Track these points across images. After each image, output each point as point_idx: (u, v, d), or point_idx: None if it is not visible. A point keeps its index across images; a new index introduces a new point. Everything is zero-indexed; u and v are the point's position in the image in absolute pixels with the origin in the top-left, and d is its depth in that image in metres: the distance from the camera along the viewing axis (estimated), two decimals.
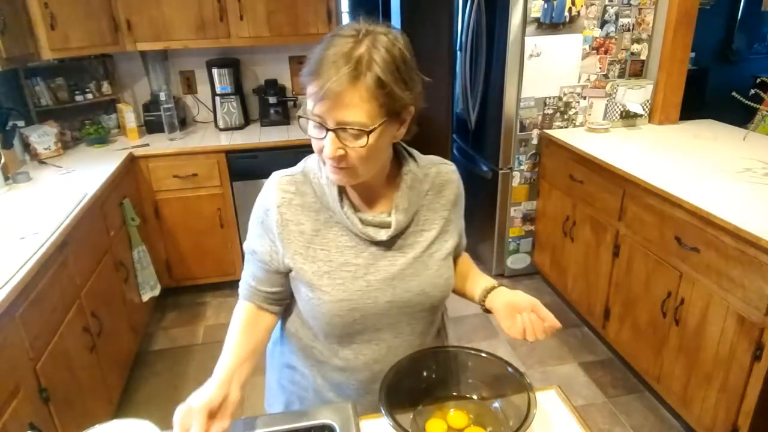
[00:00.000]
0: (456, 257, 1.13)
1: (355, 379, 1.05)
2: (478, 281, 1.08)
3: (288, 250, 0.97)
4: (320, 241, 0.97)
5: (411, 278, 0.98)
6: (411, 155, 1.01)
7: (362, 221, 0.96)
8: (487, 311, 1.04)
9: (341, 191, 0.95)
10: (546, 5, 2.66)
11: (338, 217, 0.96)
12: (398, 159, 1.00)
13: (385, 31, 0.84)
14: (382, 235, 0.96)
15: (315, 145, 0.88)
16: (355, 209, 0.97)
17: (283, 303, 1.07)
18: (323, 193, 0.97)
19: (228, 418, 0.86)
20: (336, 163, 0.86)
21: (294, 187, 0.99)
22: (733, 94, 2.06)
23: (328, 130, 0.83)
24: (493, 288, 1.04)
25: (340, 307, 0.96)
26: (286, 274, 1.01)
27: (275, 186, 0.99)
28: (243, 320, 1.02)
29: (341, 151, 0.84)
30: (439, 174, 1.05)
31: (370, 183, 0.96)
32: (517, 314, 0.95)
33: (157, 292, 2.78)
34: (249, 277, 1.04)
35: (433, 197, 1.03)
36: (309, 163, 1.01)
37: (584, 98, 2.91)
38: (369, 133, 0.83)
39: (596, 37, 2.79)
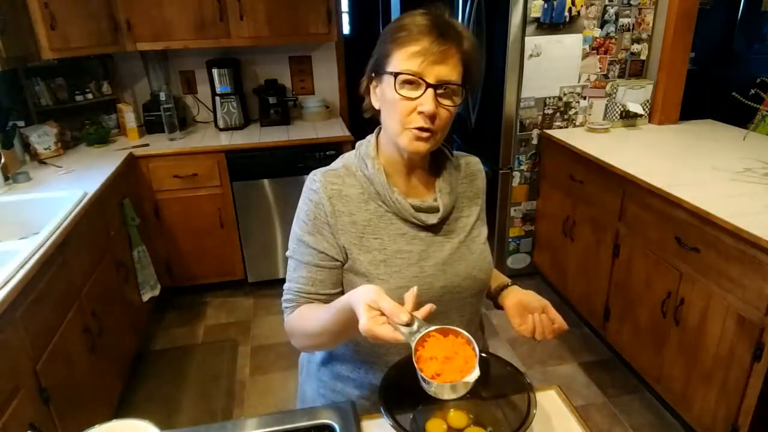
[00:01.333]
0: None
1: None
2: (493, 278, 1.11)
3: (343, 239, 0.98)
4: (372, 230, 0.98)
5: (459, 262, 1.01)
6: (444, 145, 1.04)
7: (413, 206, 0.98)
8: (499, 307, 1.06)
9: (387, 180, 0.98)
10: (546, 5, 2.66)
11: (389, 205, 0.98)
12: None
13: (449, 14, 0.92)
14: (432, 218, 0.99)
15: (402, 107, 0.89)
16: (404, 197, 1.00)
17: None
18: (369, 184, 0.98)
19: None
20: (426, 123, 0.88)
21: (340, 180, 0.99)
22: (733, 94, 2.06)
23: (428, 86, 0.87)
24: (506, 286, 1.07)
25: (398, 294, 0.94)
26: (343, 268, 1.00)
27: (321, 180, 0.99)
28: (312, 305, 0.98)
29: (436, 109, 0.88)
30: (468, 164, 1.10)
31: (414, 168, 1.00)
32: (528, 314, 0.98)
33: (157, 292, 2.78)
34: (307, 284, 0.99)
35: (467, 185, 1.08)
36: (347, 159, 1.03)
37: (584, 98, 2.91)
38: (464, 89, 0.90)
39: (596, 37, 2.79)
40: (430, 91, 0.87)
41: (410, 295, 0.79)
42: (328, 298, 0.97)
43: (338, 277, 1.00)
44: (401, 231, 0.99)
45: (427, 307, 0.79)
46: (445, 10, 0.92)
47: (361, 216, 0.98)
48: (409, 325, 0.74)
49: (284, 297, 1.02)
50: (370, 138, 1.02)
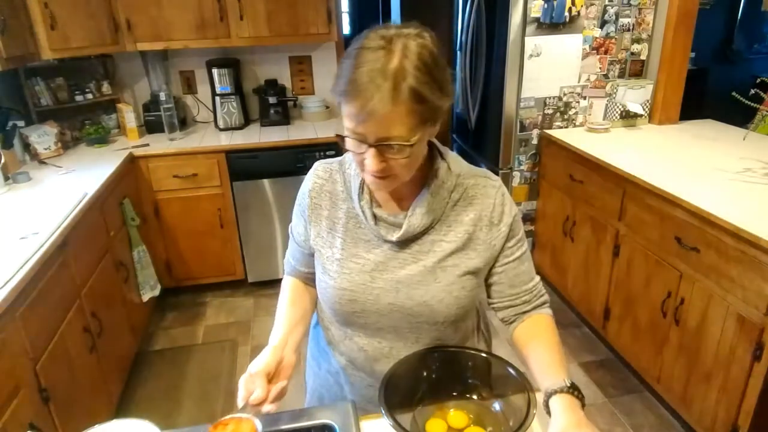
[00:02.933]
0: (521, 308, 1.02)
1: (357, 369, 1.07)
2: (544, 374, 0.90)
3: (314, 231, 1.03)
4: (340, 229, 1.00)
5: (417, 286, 0.96)
6: (444, 158, 0.97)
7: (377, 218, 0.96)
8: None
9: (363, 184, 0.97)
10: (546, 5, 2.66)
11: (356, 209, 0.99)
12: (431, 157, 0.97)
13: (413, 33, 0.81)
14: (393, 235, 0.95)
15: (355, 159, 0.88)
16: (376, 204, 0.97)
17: None
18: (350, 184, 1.00)
19: (286, 379, 0.90)
20: (379, 175, 0.85)
21: (328, 174, 1.03)
22: (733, 94, 2.06)
23: (369, 146, 0.81)
24: (554, 393, 0.84)
25: (341, 295, 0.98)
26: None
27: (312, 172, 1.05)
28: (290, 291, 1.11)
29: (383, 164, 0.83)
30: (475, 186, 0.99)
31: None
32: None
33: (157, 292, 2.78)
34: (290, 257, 1.13)
35: (461, 209, 0.97)
36: (348, 154, 1.00)
37: (584, 98, 2.91)
38: (411, 146, 0.82)
39: (596, 37, 2.79)
40: (372, 150, 0.82)
41: (276, 388, 0.86)
42: (306, 275, 1.10)
43: (311, 262, 1.07)
44: (366, 237, 0.99)
45: (272, 407, 0.85)
46: (400, 33, 0.80)
47: (335, 213, 1.01)
48: (258, 405, 0.84)
49: (285, 262, 1.16)
50: None
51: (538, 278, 1.05)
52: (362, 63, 0.78)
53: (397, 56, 0.78)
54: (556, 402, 0.83)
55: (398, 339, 1.02)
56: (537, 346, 0.96)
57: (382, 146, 0.81)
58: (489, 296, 1.05)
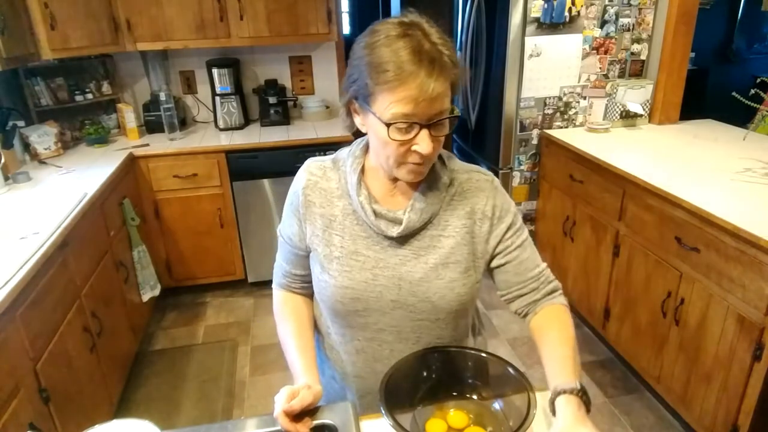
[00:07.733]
0: (531, 297, 1.01)
1: (355, 374, 1.07)
2: (555, 372, 0.90)
3: (309, 229, 1.00)
4: (337, 226, 0.99)
5: (419, 282, 0.96)
6: (440, 156, 0.98)
7: (376, 213, 0.95)
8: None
9: (361, 180, 0.96)
10: (546, 5, 2.66)
11: (354, 205, 0.97)
12: None
13: (418, 17, 0.87)
14: (393, 231, 0.95)
15: (396, 147, 0.85)
16: (374, 201, 0.97)
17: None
18: (346, 181, 0.98)
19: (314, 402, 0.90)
20: (422, 159, 0.86)
21: (321, 171, 1.01)
22: (733, 94, 2.06)
23: (422, 127, 0.83)
24: (561, 393, 0.85)
25: (343, 293, 0.97)
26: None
27: (305, 169, 1.03)
28: (293, 317, 1.07)
29: (434, 144, 0.85)
30: (469, 180, 1.00)
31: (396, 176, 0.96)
32: None
33: (157, 292, 2.78)
34: (282, 260, 1.09)
35: (457, 203, 0.99)
36: (340, 152, 1.04)
37: (584, 98, 2.91)
38: (456, 117, 0.87)
39: (596, 37, 2.79)
40: (425, 131, 0.83)
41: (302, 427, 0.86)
42: (301, 278, 1.07)
43: (306, 263, 1.05)
44: (365, 234, 0.97)
45: None
46: (422, 23, 0.86)
47: (330, 210, 0.99)
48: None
49: (274, 272, 1.12)
50: (365, 138, 1.00)
51: (544, 265, 1.04)
52: (399, 49, 0.81)
53: (423, 37, 0.83)
54: (561, 402, 0.83)
55: (399, 340, 1.01)
56: (549, 342, 0.95)
57: (433, 124, 0.83)
58: (498, 288, 1.06)
